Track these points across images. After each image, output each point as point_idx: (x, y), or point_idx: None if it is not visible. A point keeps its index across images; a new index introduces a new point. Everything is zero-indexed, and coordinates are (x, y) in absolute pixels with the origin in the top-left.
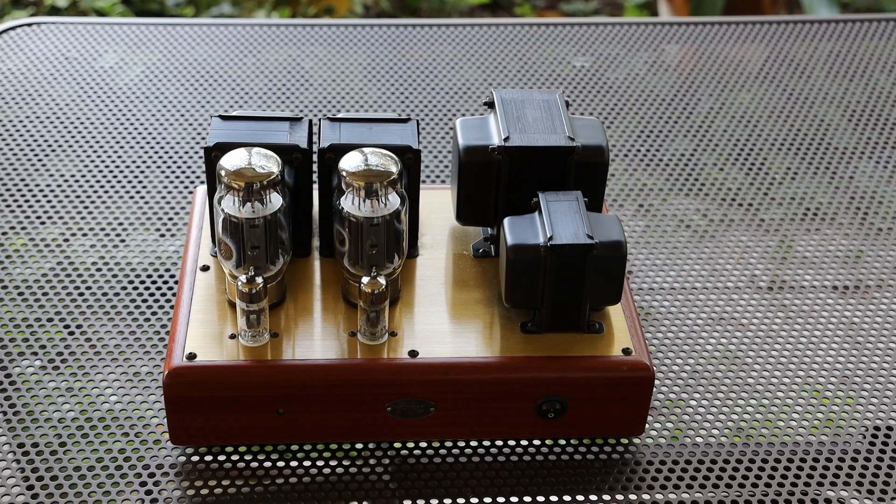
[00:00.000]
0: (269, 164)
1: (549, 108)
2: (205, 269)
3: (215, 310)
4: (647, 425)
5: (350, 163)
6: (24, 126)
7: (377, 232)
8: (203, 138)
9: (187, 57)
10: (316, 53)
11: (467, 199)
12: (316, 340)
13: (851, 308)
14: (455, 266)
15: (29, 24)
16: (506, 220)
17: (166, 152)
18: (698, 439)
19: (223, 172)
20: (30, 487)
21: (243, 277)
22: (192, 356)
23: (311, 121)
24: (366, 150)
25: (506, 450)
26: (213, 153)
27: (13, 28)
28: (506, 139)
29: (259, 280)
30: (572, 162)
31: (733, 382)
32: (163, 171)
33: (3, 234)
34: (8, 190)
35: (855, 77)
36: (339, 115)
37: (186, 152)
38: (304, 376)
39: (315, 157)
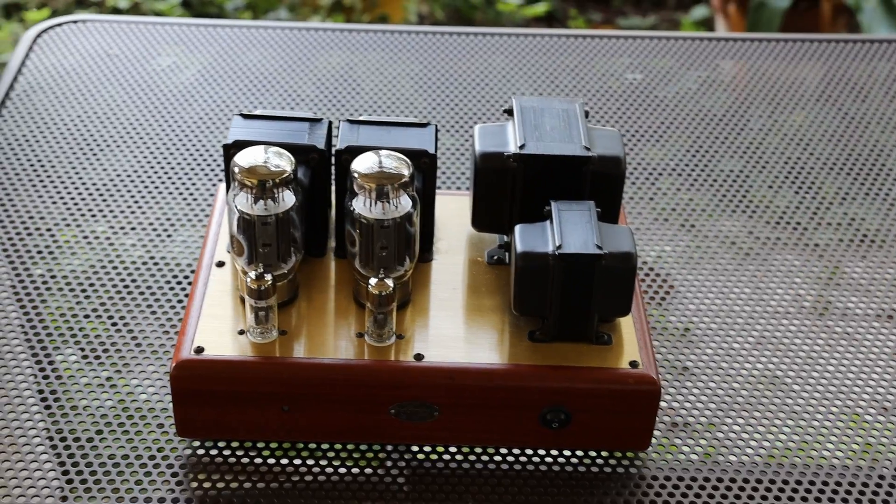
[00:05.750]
0: (282, 162)
1: (567, 118)
2: (220, 264)
3: (228, 305)
4: (675, 447)
5: (362, 164)
6: (76, 123)
7: (387, 234)
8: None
9: (242, 59)
10: (368, 59)
11: (482, 205)
12: (324, 340)
13: None
14: (469, 272)
15: (74, 22)
16: (517, 228)
17: (215, 153)
18: (731, 458)
19: (236, 169)
20: (65, 473)
21: (252, 274)
22: (199, 350)
23: (330, 122)
24: (379, 152)
25: (510, 458)
26: (232, 150)
27: (62, 24)
28: (521, 146)
29: (268, 277)
30: (588, 172)
31: (768, 408)
32: (212, 170)
33: (56, 225)
34: (63, 183)
35: None
36: (360, 118)
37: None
38: (309, 374)
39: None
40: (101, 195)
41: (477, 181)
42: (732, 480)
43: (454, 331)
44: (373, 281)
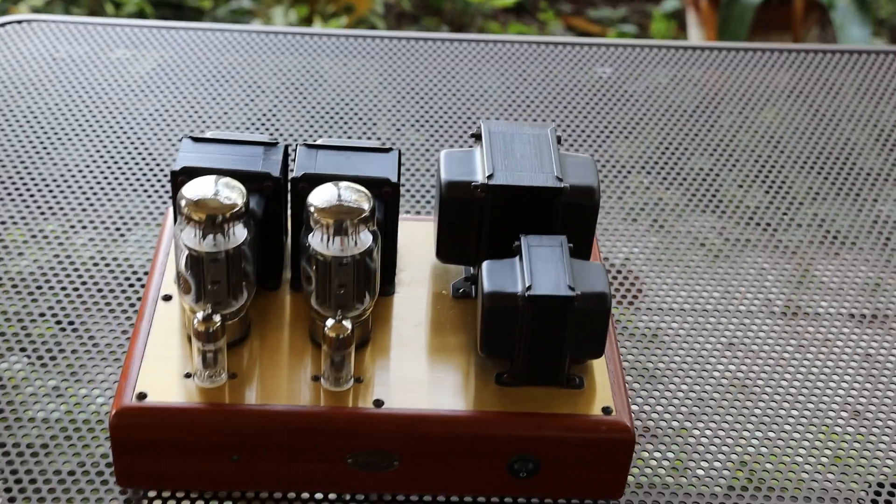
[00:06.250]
0: (233, 194)
1: (538, 144)
2: (167, 298)
3: (174, 344)
4: (646, 453)
5: (319, 198)
6: (27, 118)
7: (346, 272)
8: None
9: (198, 55)
10: (334, 64)
11: (448, 236)
12: (277, 384)
13: (868, 338)
14: (433, 307)
15: (19, 22)
16: (484, 265)
17: (172, 148)
18: (699, 471)
19: (183, 203)
20: (7, 490)
21: (200, 315)
22: (142, 395)
23: (287, 146)
24: (338, 184)
25: None
26: (180, 178)
27: (4, 25)
28: (489, 176)
29: (216, 318)
30: (560, 203)
31: (739, 412)
32: (168, 165)
33: (2, 223)
34: (11, 179)
35: (884, 98)
36: (318, 142)
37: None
38: (261, 422)
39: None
40: (51, 192)
41: (442, 212)
42: (705, 487)
43: (416, 373)
44: (329, 322)
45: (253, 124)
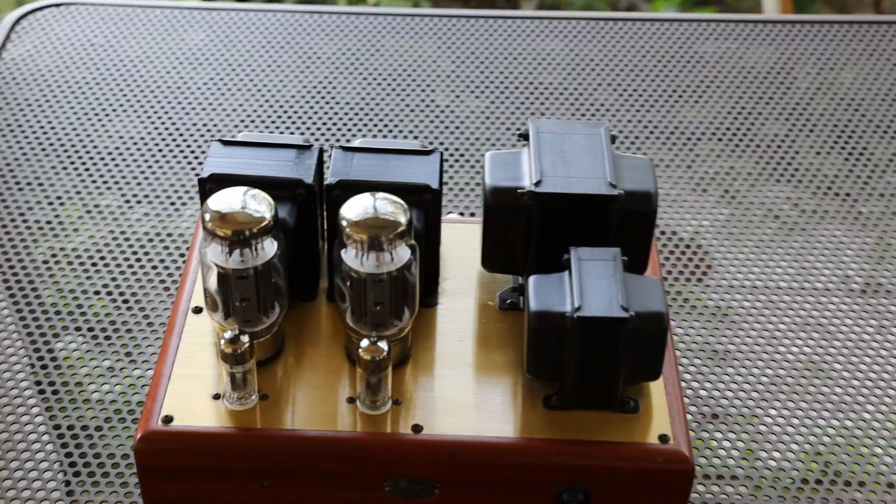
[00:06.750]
0: (261, 207)
1: (591, 146)
2: (197, 311)
3: (204, 362)
4: (715, 441)
5: (352, 210)
6: (84, 93)
7: (382, 289)
8: (270, 106)
9: (252, 31)
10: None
11: (494, 244)
12: (310, 406)
13: None
14: (478, 319)
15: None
16: (531, 280)
17: (228, 119)
18: (770, 461)
19: (207, 216)
20: (63, 473)
21: (227, 335)
22: (168, 419)
23: (321, 149)
24: (373, 195)
25: None
26: (208, 185)
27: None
28: (537, 183)
29: (244, 339)
30: (614, 211)
31: (814, 398)
32: (219, 132)
33: (59, 199)
34: (67, 154)
35: None
36: (355, 144)
37: (253, 121)
38: (293, 450)
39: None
40: (106, 167)
41: (487, 218)
42: (777, 479)
43: (459, 394)
44: (364, 343)
45: (308, 92)
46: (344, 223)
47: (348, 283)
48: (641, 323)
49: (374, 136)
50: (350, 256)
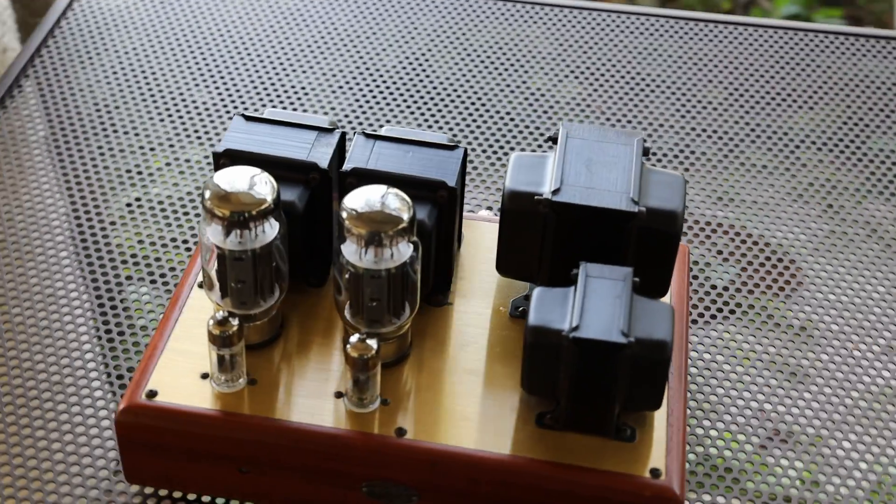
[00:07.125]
0: (264, 190)
1: (620, 157)
2: (202, 285)
3: (200, 338)
4: (772, 458)
5: (354, 202)
6: (181, 46)
7: (378, 285)
8: (363, 73)
9: None
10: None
11: (508, 249)
12: (297, 396)
13: None
14: (487, 325)
15: None
16: (535, 292)
17: (323, 77)
18: (828, 487)
19: (206, 194)
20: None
21: (218, 315)
22: (152, 393)
23: (344, 133)
24: (379, 188)
25: None
26: (222, 161)
27: None
28: (555, 191)
29: (234, 322)
30: (633, 229)
31: (885, 426)
32: (313, 90)
33: (151, 149)
34: (156, 105)
35: None
36: (381, 132)
37: (349, 88)
38: (272, 439)
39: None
40: (192, 121)
41: (503, 222)
42: None
43: (451, 401)
44: (353, 339)
45: (406, 57)
46: (344, 215)
47: (346, 277)
48: (642, 350)
49: (464, 117)
50: (349, 250)
